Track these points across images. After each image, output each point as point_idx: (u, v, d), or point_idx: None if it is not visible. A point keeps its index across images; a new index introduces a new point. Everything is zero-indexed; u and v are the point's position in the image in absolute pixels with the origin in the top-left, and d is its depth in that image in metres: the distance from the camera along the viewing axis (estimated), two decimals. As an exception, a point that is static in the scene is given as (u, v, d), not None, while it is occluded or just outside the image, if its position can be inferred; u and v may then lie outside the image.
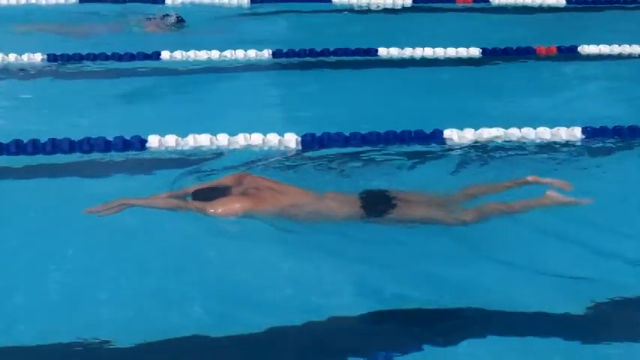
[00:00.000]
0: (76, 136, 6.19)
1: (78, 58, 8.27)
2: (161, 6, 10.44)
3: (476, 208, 5.29)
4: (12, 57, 8.21)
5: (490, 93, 7.92)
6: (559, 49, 8.99)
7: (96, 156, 6.15)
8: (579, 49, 9.00)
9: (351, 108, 7.47)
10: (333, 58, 8.59)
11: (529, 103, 7.66)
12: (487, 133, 6.58)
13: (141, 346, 4.23)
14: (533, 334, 4.40)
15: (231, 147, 6.30)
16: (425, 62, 8.68)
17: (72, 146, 6.14)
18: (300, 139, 6.40)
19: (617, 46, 9.02)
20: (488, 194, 5.51)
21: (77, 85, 7.88)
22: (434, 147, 6.48)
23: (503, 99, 7.79)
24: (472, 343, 4.31)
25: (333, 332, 4.45)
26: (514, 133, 6.59)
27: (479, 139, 6.55)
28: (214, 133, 6.34)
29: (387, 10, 10.82)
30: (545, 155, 6.43)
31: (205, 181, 5.58)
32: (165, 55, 8.42)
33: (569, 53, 9.01)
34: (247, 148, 6.34)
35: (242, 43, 8.70)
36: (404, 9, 10.96)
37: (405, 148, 6.45)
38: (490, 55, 8.82)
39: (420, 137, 6.51)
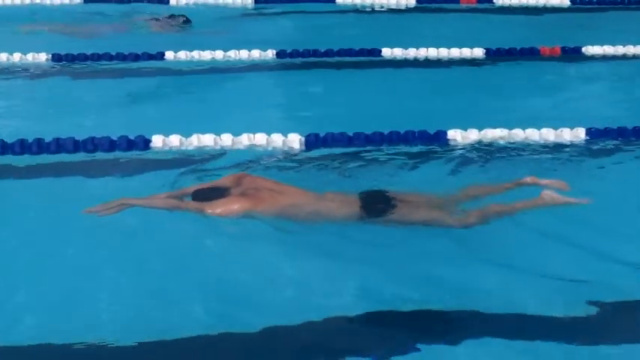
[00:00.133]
0: (80, 136, 6.20)
1: (82, 58, 8.29)
2: (166, 6, 10.47)
3: (475, 210, 5.26)
4: (16, 57, 8.23)
5: (494, 93, 7.92)
6: (563, 49, 8.99)
7: (99, 156, 6.16)
8: (583, 49, 9.00)
9: (355, 108, 7.47)
10: (336, 59, 8.59)
11: (533, 104, 7.66)
12: (491, 134, 6.57)
13: (140, 346, 4.23)
14: (533, 335, 4.38)
15: (235, 147, 6.31)
16: (428, 63, 8.68)
17: (76, 146, 6.15)
18: (303, 139, 6.40)
19: (621, 46, 9.01)
20: (487, 196, 5.49)
21: (81, 85, 7.90)
22: (436, 147, 6.47)
23: (507, 99, 7.78)
24: (471, 344, 4.30)
25: (332, 333, 4.44)
26: (518, 134, 6.58)
27: (483, 140, 6.54)
28: (218, 133, 6.34)
29: (390, 11, 10.84)
30: (549, 156, 6.41)
31: (205, 182, 5.57)
32: (169, 55, 8.44)
33: (573, 54, 9.01)
34: (251, 148, 6.34)
35: (246, 44, 8.71)
36: (408, 9, 10.97)
37: (407, 149, 6.44)
38: (494, 55, 8.82)
39: (423, 138, 6.51)
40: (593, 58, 8.96)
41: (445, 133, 6.54)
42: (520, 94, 7.94)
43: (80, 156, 6.14)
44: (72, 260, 4.90)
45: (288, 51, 8.64)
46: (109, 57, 8.33)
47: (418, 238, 5.13)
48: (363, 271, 4.88)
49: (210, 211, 5.11)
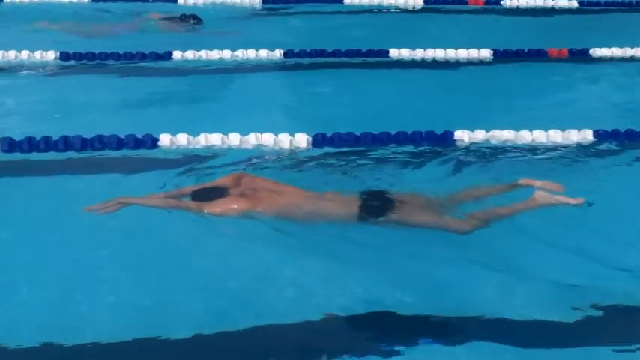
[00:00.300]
0: (88, 134, 6.21)
1: (90, 57, 8.30)
2: (174, 5, 10.49)
3: (471, 216, 5.19)
4: (25, 54, 8.24)
5: (501, 95, 7.91)
6: (570, 51, 8.98)
7: (99, 154, 6.18)
8: (591, 51, 8.99)
9: (362, 109, 7.47)
10: (344, 59, 8.60)
11: (540, 106, 7.65)
12: (498, 135, 6.57)
13: (139, 345, 4.22)
14: (531, 339, 4.36)
15: (243, 147, 6.31)
16: (436, 64, 8.68)
17: (84, 144, 6.17)
18: (311, 139, 6.41)
19: (629, 48, 9.01)
20: (482, 199, 5.45)
21: (89, 84, 7.90)
22: (441, 148, 6.45)
23: (514, 101, 7.78)
24: (468, 346, 4.29)
25: (331, 333, 4.44)
26: (525, 136, 6.58)
27: (490, 141, 6.53)
28: (226, 133, 6.35)
29: (398, 12, 10.84)
30: (554, 157, 6.40)
31: (205, 182, 5.57)
32: (177, 55, 8.45)
33: (580, 56, 9.00)
34: (257, 148, 6.34)
35: (254, 44, 8.71)
36: (415, 10, 10.97)
37: (412, 149, 6.44)
38: (501, 57, 8.82)
39: (430, 138, 6.51)
40: (600, 60, 8.95)
41: (452, 134, 6.54)
42: (527, 95, 7.92)
43: (79, 154, 6.16)
44: (71, 259, 4.88)
45: (295, 51, 8.65)
46: (117, 56, 8.35)
47: (416, 240, 5.10)
48: (362, 273, 4.87)
49: (208, 211, 5.12)
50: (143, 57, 8.38)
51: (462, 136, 6.54)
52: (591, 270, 4.91)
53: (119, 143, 6.21)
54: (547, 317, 4.51)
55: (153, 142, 6.26)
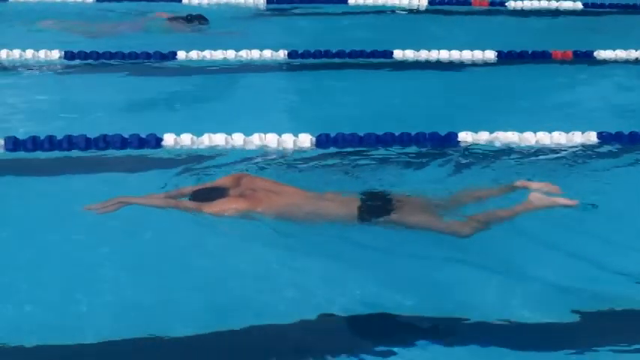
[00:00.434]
0: (92, 134, 6.22)
1: (95, 56, 8.31)
2: (178, 5, 10.50)
3: (469, 220, 5.17)
4: (29, 53, 8.25)
5: (505, 96, 7.90)
6: (575, 53, 8.97)
7: (103, 154, 6.18)
8: (595, 53, 8.98)
9: (366, 109, 7.47)
10: (348, 60, 8.59)
11: (544, 107, 7.64)
12: (502, 137, 6.57)
13: (138, 345, 4.23)
14: (528, 342, 4.36)
15: (247, 147, 6.31)
16: (440, 65, 8.67)
17: (88, 143, 6.17)
18: (314, 139, 6.41)
19: (633, 50, 8.99)
20: (480, 201, 5.44)
21: (93, 83, 7.92)
22: (444, 149, 6.45)
23: (518, 102, 7.76)
24: (467, 349, 4.29)
25: (329, 334, 4.44)
26: (529, 137, 6.57)
27: (493, 142, 6.53)
28: (229, 133, 6.35)
29: (402, 12, 10.83)
30: (559, 159, 6.39)
31: (205, 182, 5.57)
32: (181, 54, 8.46)
33: (584, 57, 8.99)
34: (261, 148, 6.34)
35: (258, 44, 8.72)
36: (419, 11, 10.97)
37: (414, 150, 6.44)
38: (505, 58, 8.81)
39: (434, 139, 6.51)
40: (605, 62, 8.94)
41: (456, 135, 6.54)
42: (531, 97, 7.91)
43: (77, 153, 6.16)
44: (70, 257, 4.89)
45: (299, 51, 8.65)
46: (121, 56, 8.35)
47: (416, 241, 5.09)
48: (361, 273, 4.86)
49: (207, 211, 5.12)
50: (147, 56, 8.39)
51: (466, 137, 6.53)
52: (591, 272, 4.90)
53: (123, 143, 6.21)
54: (547, 319, 4.50)
55: (157, 142, 6.26)
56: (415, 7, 11.00)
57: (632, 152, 6.58)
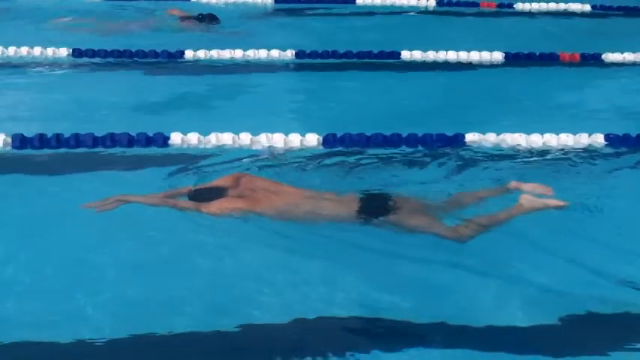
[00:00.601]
0: (100, 132, 6.23)
1: (102, 54, 8.33)
2: (186, 3, 10.52)
3: (465, 225, 5.15)
4: (37, 51, 8.28)
5: (512, 98, 7.89)
6: (583, 55, 8.95)
7: (103, 152, 6.19)
8: (603, 56, 8.96)
9: (373, 109, 7.48)
10: (355, 60, 8.60)
11: (551, 109, 7.63)
12: (509, 138, 6.56)
13: (137, 344, 4.24)
14: (526, 346, 4.36)
15: (254, 146, 6.31)
16: (448, 66, 8.67)
17: (95, 141, 6.18)
18: (321, 138, 6.41)
19: (641, 53, 8.99)
20: (476, 203, 5.43)
21: (101, 81, 7.93)
22: (450, 150, 6.43)
23: (526, 104, 7.75)
24: (464, 352, 4.30)
25: (328, 334, 4.44)
26: (535, 139, 6.56)
27: (500, 144, 6.52)
28: (237, 132, 6.36)
29: (410, 13, 10.83)
30: (565, 161, 6.38)
31: (205, 181, 5.56)
32: (188, 54, 8.47)
33: (592, 60, 8.97)
34: (267, 148, 6.35)
35: (265, 43, 8.73)
36: (427, 12, 10.97)
37: (420, 151, 6.43)
38: (513, 60, 8.80)
39: (441, 140, 6.50)
40: (612, 64, 8.93)
41: (463, 136, 6.54)
42: (539, 99, 7.90)
43: (80, 151, 6.17)
44: (68, 257, 4.89)
45: (307, 52, 8.65)
46: (129, 54, 8.37)
47: (413, 244, 5.07)
48: (359, 275, 4.84)
49: (205, 211, 5.13)
50: (155, 55, 8.40)
51: (473, 138, 6.53)
52: (590, 276, 4.89)
53: (130, 141, 6.21)
54: (544, 323, 4.50)
55: (164, 141, 6.27)
56: (423, 8, 11.00)
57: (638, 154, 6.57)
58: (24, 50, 8.27)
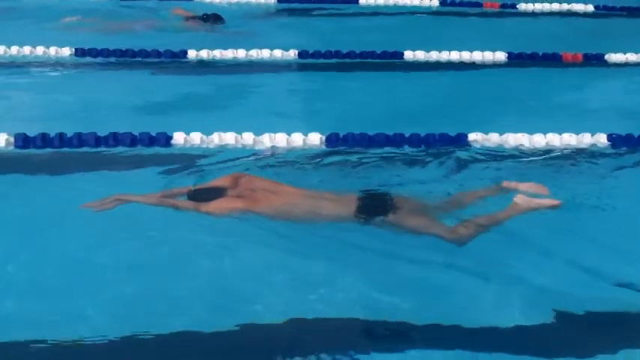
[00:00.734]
0: (102, 131, 6.23)
1: (105, 53, 8.34)
2: (189, 3, 10.53)
3: (462, 227, 5.13)
4: (40, 50, 8.29)
5: (515, 98, 7.89)
6: (585, 56, 8.95)
7: (111, 151, 6.19)
8: (606, 56, 8.96)
9: (376, 110, 7.47)
10: (358, 60, 8.60)
11: (554, 109, 7.62)
12: (512, 138, 6.55)
13: (136, 344, 4.23)
14: (525, 347, 4.35)
15: (257, 146, 6.31)
16: (451, 66, 8.67)
17: (98, 141, 6.18)
18: (324, 138, 6.42)
19: (644, 54, 8.98)
20: (473, 204, 5.42)
21: (104, 81, 7.93)
22: (453, 150, 6.43)
23: (528, 104, 7.75)
24: (460, 353, 4.29)
25: (327, 334, 4.43)
26: (538, 139, 6.56)
27: (503, 144, 6.52)
28: (239, 132, 6.35)
29: (413, 13, 10.84)
30: (568, 160, 6.39)
31: (204, 181, 5.56)
32: (191, 54, 8.48)
33: (595, 61, 8.97)
34: (270, 147, 6.35)
35: (268, 43, 8.73)
36: (430, 12, 10.97)
37: (422, 151, 6.43)
38: (516, 60, 8.80)
39: (444, 140, 6.50)
40: (615, 65, 8.92)
41: (466, 136, 6.53)
42: (541, 99, 7.90)
43: (81, 150, 6.17)
44: (68, 256, 4.89)
45: (310, 52, 8.65)
46: (132, 53, 8.38)
47: (412, 244, 5.07)
48: (358, 275, 4.82)
49: (205, 210, 5.13)
50: (158, 55, 8.42)
51: (476, 138, 6.52)
52: (589, 277, 4.87)
53: (133, 141, 6.22)
54: (544, 323, 4.50)
55: (167, 140, 6.27)
56: (426, 8, 11.00)
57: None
58: (27, 50, 8.29)
